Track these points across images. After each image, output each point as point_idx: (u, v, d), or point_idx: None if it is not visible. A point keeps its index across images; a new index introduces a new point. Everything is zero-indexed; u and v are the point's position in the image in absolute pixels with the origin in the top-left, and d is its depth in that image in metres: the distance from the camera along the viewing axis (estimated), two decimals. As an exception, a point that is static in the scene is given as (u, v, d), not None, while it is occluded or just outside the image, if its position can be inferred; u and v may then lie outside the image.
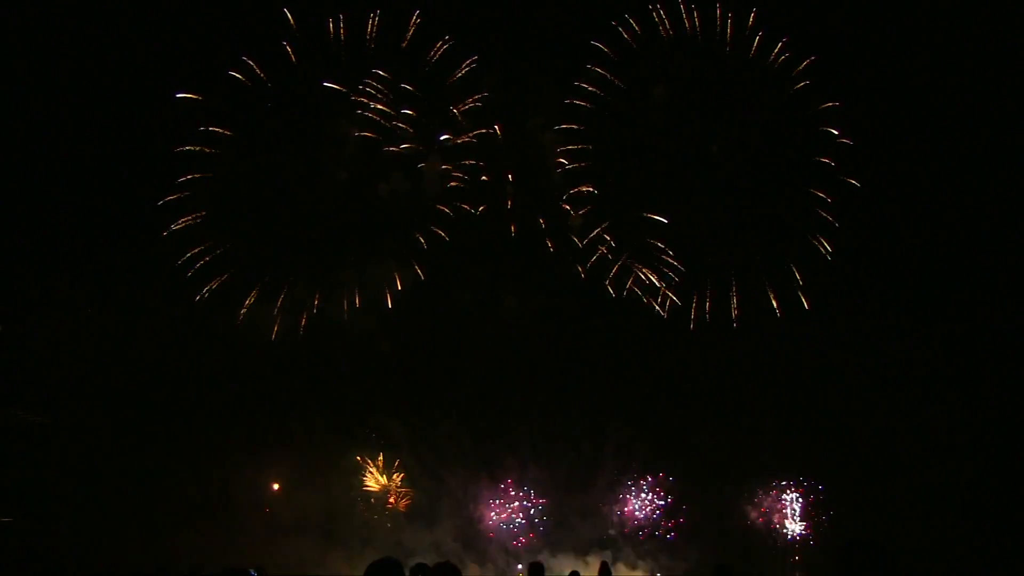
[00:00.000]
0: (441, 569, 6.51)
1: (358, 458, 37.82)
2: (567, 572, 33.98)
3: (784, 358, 39.52)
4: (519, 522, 38.43)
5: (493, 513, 38.09)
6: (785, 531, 39.02)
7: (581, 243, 39.66)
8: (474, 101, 42.04)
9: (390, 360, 38.03)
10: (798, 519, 39.15)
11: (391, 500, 38.33)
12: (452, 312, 39.09)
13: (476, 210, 41.28)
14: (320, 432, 36.96)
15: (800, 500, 39.40)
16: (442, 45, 41.99)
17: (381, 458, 38.21)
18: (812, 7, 38.53)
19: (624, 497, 38.39)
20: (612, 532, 38.02)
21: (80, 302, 39.37)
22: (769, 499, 38.79)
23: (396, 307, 38.16)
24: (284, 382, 37.29)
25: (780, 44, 38.87)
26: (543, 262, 39.56)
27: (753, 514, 38.49)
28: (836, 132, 38.73)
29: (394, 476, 38.30)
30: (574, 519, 38.33)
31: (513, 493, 38.64)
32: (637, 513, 38.36)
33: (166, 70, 40.91)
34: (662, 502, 38.75)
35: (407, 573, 6.84)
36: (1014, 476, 36.17)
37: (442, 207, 41.36)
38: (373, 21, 41.73)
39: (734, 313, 38.84)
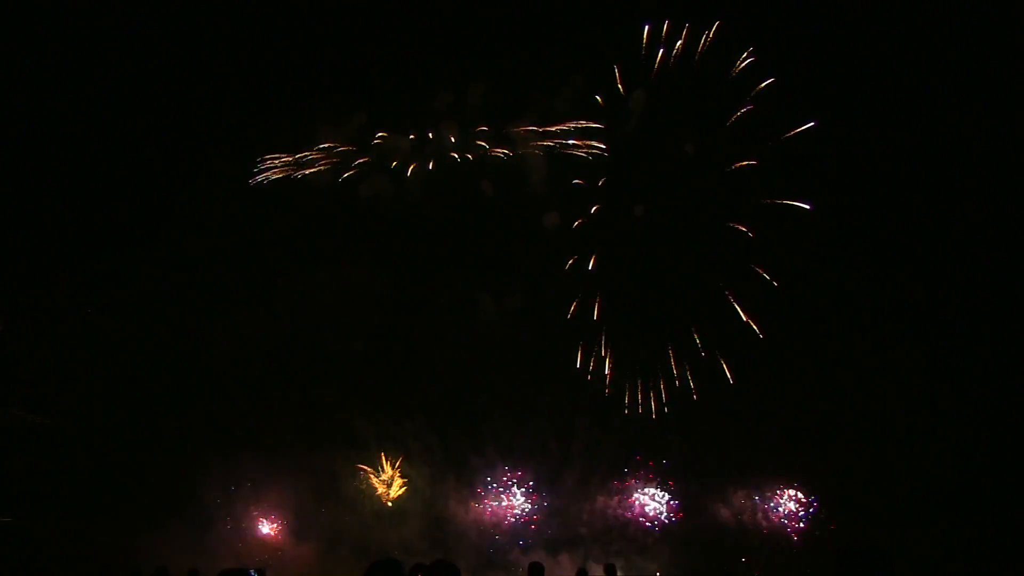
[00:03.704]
0: (439, 568, 6.54)
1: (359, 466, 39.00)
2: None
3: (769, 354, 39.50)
4: (489, 520, 39.07)
5: (462, 511, 38.74)
6: (765, 530, 39.00)
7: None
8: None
9: (361, 359, 38.76)
10: (778, 518, 39.07)
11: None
12: (426, 312, 39.69)
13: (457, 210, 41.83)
14: (289, 431, 37.84)
15: (779, 499, 39.32)
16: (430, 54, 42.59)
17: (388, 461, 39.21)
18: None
19: (594, 496, 38.69)
20: (583, 531, 38.42)
21: (80, 302, 40.53)
22: (740, 497, 38.71)
23: (370, 307, 39.00)
24: (254, 381, 38.34)
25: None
26: (520, 263, 39.99)
27: (726, 513, 38.45)
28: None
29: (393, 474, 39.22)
30: (543, 518, 38.82)
31: (481, 492, 39.28)
32: (608, 512, 38.67)
33: (165, 73, 42.07)
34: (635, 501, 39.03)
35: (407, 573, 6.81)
36: (1009, 476, 35.71)
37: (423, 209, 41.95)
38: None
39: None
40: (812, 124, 38.73)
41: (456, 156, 42.55)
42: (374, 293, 39.30)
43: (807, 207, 38.50)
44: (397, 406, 38.57)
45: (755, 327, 38.37)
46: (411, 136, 42.94)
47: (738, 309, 38.50)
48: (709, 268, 38.92)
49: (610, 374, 38.45)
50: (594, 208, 40.33)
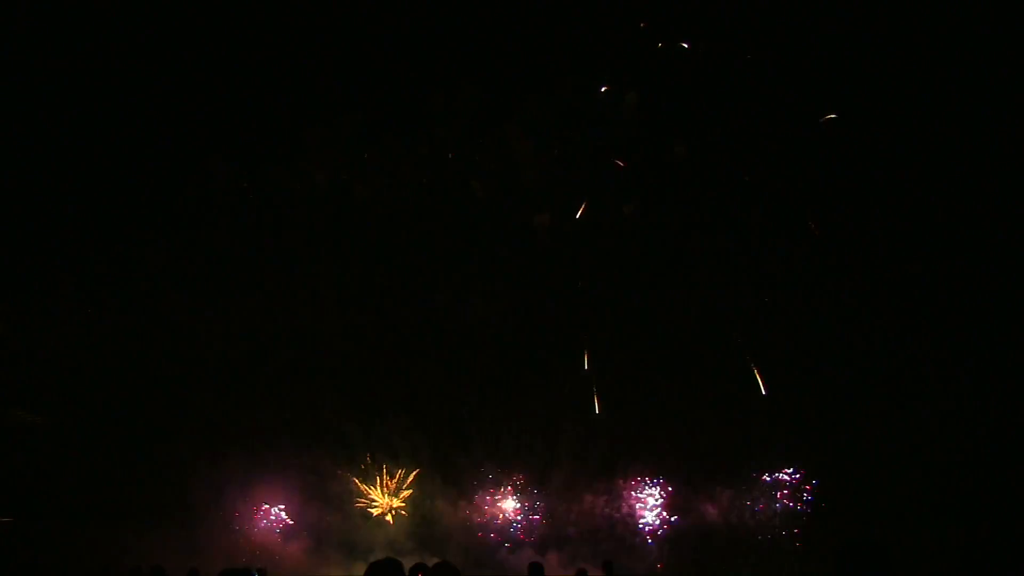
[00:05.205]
0: (441, 570, 6.59)
1: (351, 475, 39.41)
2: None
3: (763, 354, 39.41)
4: (477, 520, 39.36)
5: (449, 511, 38.98)
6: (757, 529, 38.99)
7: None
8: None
9: (350, 358, 39.10)
10: (770, 518, 39.08)
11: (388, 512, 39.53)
12: (416, 311, 39.93)
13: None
14: (277, 430, 38.25)
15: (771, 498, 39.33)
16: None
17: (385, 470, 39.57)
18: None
19: (582, 496, 38.86)
20: (571, 531, 38.57)
21: (80, 302, 41.02)
22: (730, 496, 38.68)
23: (360, 306, 39.39)
24: (243, 380, 38.78)
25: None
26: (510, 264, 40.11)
27: (713, 511, 38.47)
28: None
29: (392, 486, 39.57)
30: (531, 517, 39.03)
31: (470, 491, 39.49)
32: (596, 512, 38.80)
33: (168, 76, 42.42)
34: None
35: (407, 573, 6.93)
36: (1007, 475, 35.49)
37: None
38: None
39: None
40: (833, 116, 38.59)
41: (448, 159, 42.76)
42: (364, 292, 39.58)
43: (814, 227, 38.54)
44: (385, 405, 38.83)
45: (759, 377, 38.43)
46: (404, 139, 43.05)
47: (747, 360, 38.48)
48: (704, 287, 38.81)
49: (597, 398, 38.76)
50: (580, 212, 40.39)
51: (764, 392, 38.25)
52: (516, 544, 38.45)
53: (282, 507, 39.02)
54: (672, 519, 38.56)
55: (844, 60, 37.80)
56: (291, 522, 38.93)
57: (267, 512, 38.93)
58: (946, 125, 36.89)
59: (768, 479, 39.14)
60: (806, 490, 38.92)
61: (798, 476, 39.14)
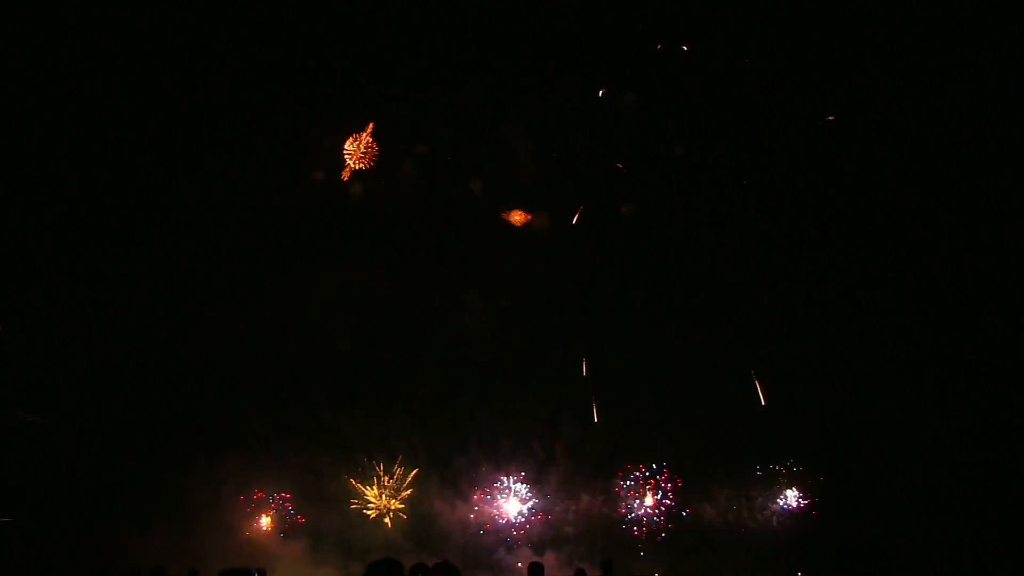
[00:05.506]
0: (440, 569, 6.61)
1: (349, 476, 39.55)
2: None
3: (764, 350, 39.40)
4: (474, 520, 39.35)
5: (447, 511, 39.02)
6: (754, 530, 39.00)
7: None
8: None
9: (348, 358, 39.13)
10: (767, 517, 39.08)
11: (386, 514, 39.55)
12: (414, 311, 39.97)
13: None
14: (274, 430, 38.32)
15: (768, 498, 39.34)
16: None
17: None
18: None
19: (579, 495, 38.88)
20: (569, 530, 38.60)
21: (80, 302, 41.06)
22: (728, 496, 38.69)
23: (357, 306, 39.44)
24: (240, 380, 38.78)
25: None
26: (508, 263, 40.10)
27: (711, 512, 38.49)
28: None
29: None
30: (529, 517, 39.06)
31: (468, 491, 39.53)
32: (594, 512, 38.83)
33: (160, 76, 42.45)
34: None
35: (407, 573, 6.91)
36: (1006, 475, 35.49)
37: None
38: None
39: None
40: (831, 118, 38.81)
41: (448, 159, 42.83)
42: (362, 292, 39.59)
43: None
44: (383, 405, 38.86)
45: (758, 387, 38.47)
46: (403, 137, 43.08)
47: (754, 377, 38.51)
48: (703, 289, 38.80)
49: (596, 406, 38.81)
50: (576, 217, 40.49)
51: (764, 403, 38.34)
52: (514, 544, 38.36)
53: (286, 495, 38.90)
54: (671, 519, 38.45)
55: (844, 61, 37.91)
56: (294, 511, 38.87)
57: (261, 497, 38.85)
58: (945, 126, 36.97)
59: (761, 474, 39.12)
60: (807, 486, 38.93)
61: (798, 473, 39.11)
